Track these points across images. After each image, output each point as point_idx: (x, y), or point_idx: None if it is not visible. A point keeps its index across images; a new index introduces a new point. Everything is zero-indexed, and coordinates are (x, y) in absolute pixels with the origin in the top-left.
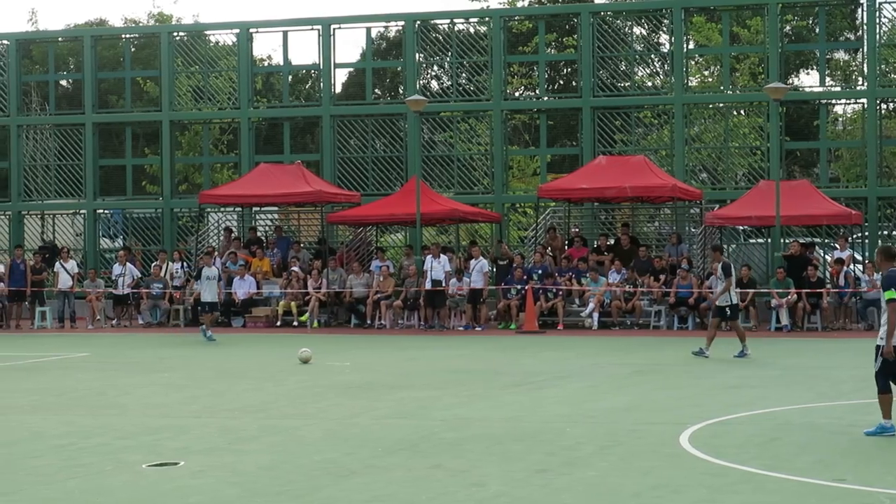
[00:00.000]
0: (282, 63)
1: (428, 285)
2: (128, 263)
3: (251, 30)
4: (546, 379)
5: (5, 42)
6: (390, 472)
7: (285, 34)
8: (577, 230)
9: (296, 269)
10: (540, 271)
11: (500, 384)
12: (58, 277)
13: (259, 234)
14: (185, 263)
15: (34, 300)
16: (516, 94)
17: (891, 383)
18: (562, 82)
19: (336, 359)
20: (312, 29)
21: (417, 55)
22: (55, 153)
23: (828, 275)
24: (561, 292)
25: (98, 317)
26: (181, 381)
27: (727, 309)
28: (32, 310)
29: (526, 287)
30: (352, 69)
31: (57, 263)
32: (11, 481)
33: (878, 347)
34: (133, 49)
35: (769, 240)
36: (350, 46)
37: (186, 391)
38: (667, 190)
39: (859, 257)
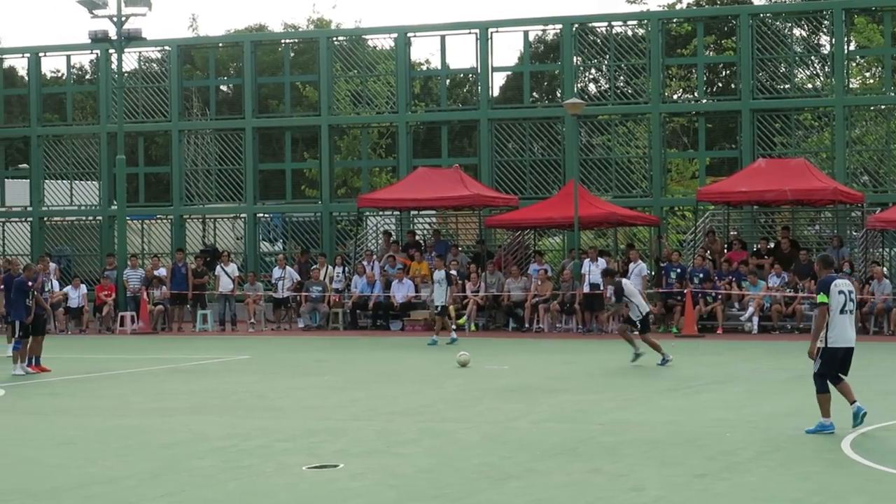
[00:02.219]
0: (440, 67)
1: (586, 289)
2: (287, 267)
3: (409, 34)
4: (705, 383)
5: (167, 48)
6: (548, 476)
7: (443, 38)
8: (736, 233)
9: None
10: (701, 275)
11: (658, 388)
12: (219, 281)
13: (417, 237)
14: (345, 267)
15: (196, 303)
16: (674, 96)
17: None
18: (720, 85)
19: (494, 362)
20: (470, 33)
21: (575, 58)
22: (216, 158)
23: None
24: (720, 296)
25: (252, 320)
26: (340, 383)
27: (638, 322)
28: (194, 313)
29: (685, 290)
30: (509, 72)
31: (218, 267)
32: (174, 482)
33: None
34: (292, 54)
35: None
36: (508, 50)
37: (345, 394)
38: (827, 193)
39: None
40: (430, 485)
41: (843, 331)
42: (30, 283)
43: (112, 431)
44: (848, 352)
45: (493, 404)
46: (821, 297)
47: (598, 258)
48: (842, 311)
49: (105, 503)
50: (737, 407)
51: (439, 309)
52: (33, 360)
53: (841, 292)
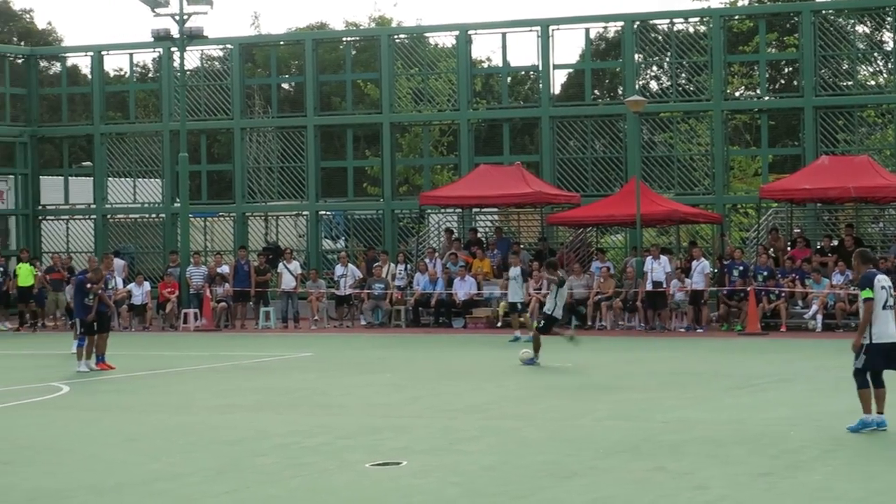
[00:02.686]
0: (500, 64)
1: (648, 286)
2: (349, 264)
3: (470, 32)
4: (769, 381)
5: (229, 46)
6: (611, 474)
7: (504, 35)
8: (799, 231)
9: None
10: (765, 273)
11: (721, 386)
12: (281, 278)
13: (479, 234)
14: (407, 264)
15: (258, 300)
16: (737, 93)
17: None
18: (783, 81)
19: (556, 360)
20: (531, 30)
21: (636, 55)
22: (278, 155)
23: None
24: (784, 294)
25: (317, 317)
26: (402, 381)
27: (542, 320)
28: (256, 310)
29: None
30: (570, 70)
31: (280, 264)
32: (237, 479)
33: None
34: (354, 52)
35: None
36: (569, 47)
37: (407, 391)
38: (892, 190)
39: None
40: (493, 482)
41: (886, 326)
42: (89, 284)
43: (176, 428)
44: (893, 347)
45: (556, 402)
46: (865, 293)
47: (661, 255)
48: (884, 307)
49: (169, 500)
50: (801, 405)
51: (519, 307)
52: (99, 358)
53: (883, 288)
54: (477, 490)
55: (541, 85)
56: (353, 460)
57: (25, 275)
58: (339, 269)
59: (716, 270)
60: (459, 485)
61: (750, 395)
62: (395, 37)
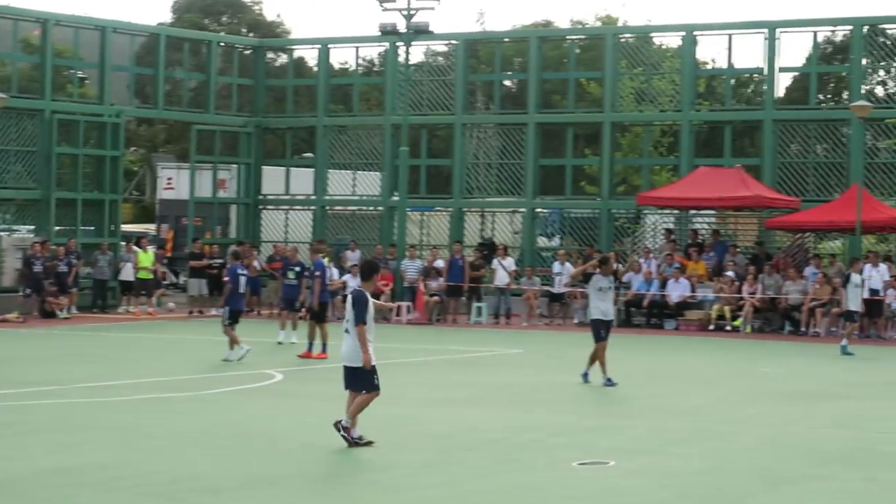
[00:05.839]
0: (725, 66)
1: (865, 294)
2: (566, 263)
3: (695, 32)
4: None
5: (454, 42)
6: (824, 483)
7: (730, 37)
8: None
9: (731, 273)
10: None
11: None
12: (495, 274)
13: (699, 237)
14: (619, 265)
15: (471, 295)
16: None
17: None
18: None
19: (769, 365)
20: (758, 32)
21: (864, 60)
22: (497, 151)
23: None
24: None
25: (534, 314)
26: (615, 381)
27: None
28: (469, 305)
29: None
30: (796, 73)
31: (495, 260)
32: (446, 472)
33: None
34: (578, 50)
35: None
36: (795, 50)
37: (619, 391)
38: None
39: None
40: (704, 486)
41: None
42: (241, 271)
43: (388, 420)
44: None
45: (769, 408)
46: None
47: (880, 263)
48: None
49: (380, 490)
50: None
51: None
52: (320, 348)
53: None
54: (687, 493)
55: (765, 87)
56: (562, 458)
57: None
58: (556, 267)
59: None
60: (668, 487)
61: None
62: (621, 36)
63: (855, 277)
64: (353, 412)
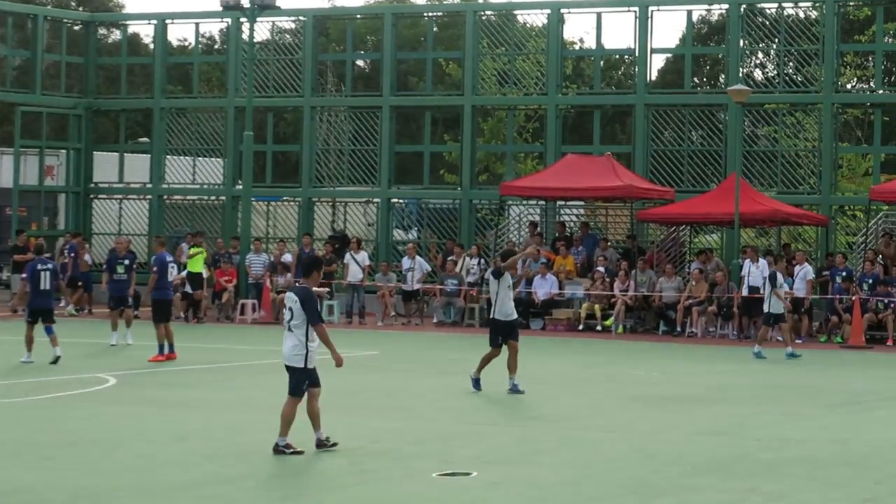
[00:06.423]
0: (594, 47)
1: (744, 292)
2: (417, 257)
3: (562, 10)
4: (874, 399)
5: (302, 18)
6: (700, 494)
7: (599, 16)
8: None
9: (601, 268)
10: (870, 280)
11: (822, 403)
12: (347, 269)
13: (566, 230)
14: (480, 259)
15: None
16: (848, 86)
17: None
18: None
19: (643, 368)
20: (629, 11)
21: (741, 41)
22: (349, 137)
23: None
24: (892, 304)
25: (393, 313)
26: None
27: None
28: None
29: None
30: (669, 55)
31: (347, 254)
32: (295, 484)
33: None
34: (436, 29)
35: None
36: (668, 30)
37: (481, 397)
38: None
39: None
40: (572, 498)
41: None
42: (42, 266)
43: (230, 428)
44: None
45: (642, 413)
46: None
47: (760, 259)
48: None
49: None
50: None
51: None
52: (168, 348)
53: None
54: None
55: (636, 70)
56: (420, 468)
57: (196, 261)
58: (406, 262)
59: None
60: (535, 499)
61: (854, 414)
62: (482, 13)
63: (780, 277)
64: (317, 423)
